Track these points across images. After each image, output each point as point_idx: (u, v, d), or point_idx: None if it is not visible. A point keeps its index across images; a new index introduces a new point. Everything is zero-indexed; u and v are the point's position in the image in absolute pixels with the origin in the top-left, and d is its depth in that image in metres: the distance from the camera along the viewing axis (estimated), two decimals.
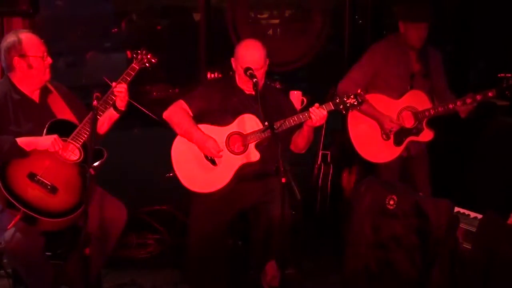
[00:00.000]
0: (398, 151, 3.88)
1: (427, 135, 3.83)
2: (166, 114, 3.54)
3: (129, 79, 3.25)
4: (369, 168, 4.22)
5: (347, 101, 3.28)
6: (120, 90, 3.16)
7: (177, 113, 3.50)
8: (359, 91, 3.31)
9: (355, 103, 3.28)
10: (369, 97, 3.81)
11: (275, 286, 3.60)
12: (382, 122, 3.85)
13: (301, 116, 3.32)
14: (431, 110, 3.76)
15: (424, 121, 3.82)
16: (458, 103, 3.68)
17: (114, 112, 3.23)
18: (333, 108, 3.30)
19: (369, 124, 3.92)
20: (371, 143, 3.94)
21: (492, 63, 5.29)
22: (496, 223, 2.81)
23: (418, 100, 3.82)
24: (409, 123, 3.85)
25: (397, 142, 3.87)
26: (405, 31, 3.83)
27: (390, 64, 3.88)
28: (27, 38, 3.15)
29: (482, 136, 4.04)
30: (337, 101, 3.30)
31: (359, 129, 3.97)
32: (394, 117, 3.85)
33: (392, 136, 3.87)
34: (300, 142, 3.51)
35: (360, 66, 3.96)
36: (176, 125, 3.49)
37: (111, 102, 3.17)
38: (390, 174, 3.93)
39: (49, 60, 3.19)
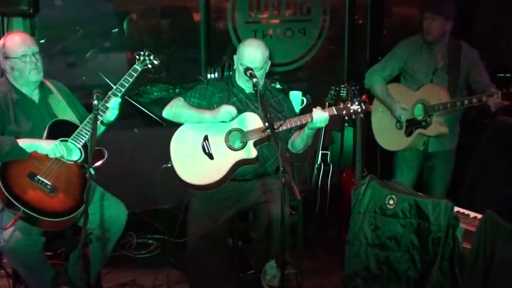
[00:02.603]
0: (407, 141, 3.96)
1: (433, 130, 3.87)
2: (166, 111, 3.50)
3: (131, 79, 3.25)
4: (369, 168, 4.23)
5: (351, 107, 3.27)
6: (112, 105, 3.16)
7: (179, 106, 3.49)
8: (364, 97, 3.31)
9: (359, 110, 3.27)
10: (390, 86, 4.06)
11: (275, 286, 3.60)
12: (393, 109, 3.99)
13: (302, 118, 3.32)
14: (440, 105, 3.79)
15: (434, 116, 3.85)
16: (466, 101, 3.69)
17: (101, 125, 3.22)
18: (335, 113, 3.28)
19: (387, 112, 4.06)
20: (386, 130, 4.09)
21: (492, 63, 5.28)
22: (495, 223, 2.81)
23: (433, 94, 3.87)
24: (420, 115, 3.91)
25: (408, 132, 3.96)
26: (423, 23, 3.91)
27: (415, 58, 3.98)
28: (10, 40, 3.18)
29: (482, 136, 4.04)
30: (340, 106, 3.29)
31: (379, 116, 4.14)
32: (408, 106, 3.94)
33: (404, 126, 3.97)
34: (298, 144, 3.51)
35: (385, 59, 4.11)
36: (180, 115, 3.46)
37: (109, 107, 3.17)
38: (408, 166, 4.07)
39: (32, 60, 3.16)
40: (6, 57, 3.16)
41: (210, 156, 3.42)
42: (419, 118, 3.92)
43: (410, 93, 3.98)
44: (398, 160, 4.13)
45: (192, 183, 3.41)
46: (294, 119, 3.34)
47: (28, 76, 3.17)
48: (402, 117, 3.96)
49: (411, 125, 3.96)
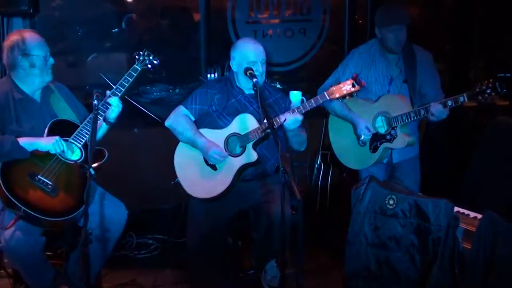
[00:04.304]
0: (373, 158, 3.81)
1: (400, 142, 3.71)
2: (168, 123, 3.57)
3: (130, 79, 3.25)
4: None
5: (343, 88, 3.19)
6: (112, 103, 3.16)
7: (179, 122, 3.53)
8: (355, 75, 3.24)
9: (353, 89, 3.18)
10: (346, 100, 3.73)
11: (275, 286, 3.60)
12: (356, 125, 3.79)
13: (281, 117, 3.29)
14: (403, 116, 3.64)
15: (399, 128, 3.71)
16: (431, 108, 3.51)
17: (104, 124, 3.23)
18: (328, 98, 3.23)
19: (346, 129, 3.89)
20: (348, 149, 3.92)
21: (492, 63, 5.28)
22: (495, 223, 2.81)
23: (393, 104, 3.72)
24: (382, 128, 3.78)
25: (372, 149, 3.80)
26: (382, 36, 3.78)
27: (368, 68, 3.85)
28: (31, 38, 3.17)
29: (482, 136, 4.03)
30: (333, 89, 3.21)
31: (338, 134, 3.97)
32: (370, 121, 3.78)
33: (367, 142, 3.81)
34: (290, 144, 3.53)
35: (337, 71, 3.95)
36: (179, 134, 3.53)
37: (109, 106, 3.17)
38: None
39: (51, 60, 3.21)
40: (26, 54, 3.14)
41: (213, 167, 3.43)
42: (382, 131, 3.76)
43: (369, 105, 3.79)
44: (362, 174, 3.94)
45: (202, 197, 3.44)
46: (276, 118, 3.30)
47: (45, 75, 3.20)
48: (363, 137, 3.76)
49: (375, 140, 3.78)
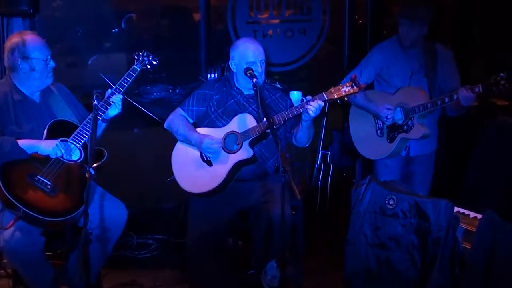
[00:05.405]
0: (390, 148, 3.86)
1: (416, 132, 3.77)
2: (166, 124, 3.61)
3: (130, 80, 3.25)
4: (368, 168, 4.22)
5: (342, 89, 3.22)
6: (115, 100, 3.16)
7: (175, 122, 3.56)
8: (353, 76, 3.27)
9: (352, 91, 3.21)
10: (367, 92, 3.92)
11: (275, 286, 3.60)
12: (379, 112, 3.86)
13: (294, 110, 3.30)
14: (421, 107, 3.70)
15: (415, 118, 3.76)
16: (447, 99, 3.60)
17: (100, 121, 3.21)
18: (326, 98, 3.25)
19: (366, 120, 3.95)
20: (367, 139, 3.97)
21: (492, 63, 5.27)
22: (496, 223, 2.81)
23: (411, 96, 3.78)
24: (400, 119, 3.83)
25: (390, 139, 3.87)
26: (399, 28, 3.87)
27: (390, 63, 3.92)
28: (32, 41, 3.14)
29: (482, 136, 4.03)
30: (332, 90, 3.25)
31: (358, 125, 4.02)
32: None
33: (385, 133, 3.87)
34: (301, 137, 3.51)
35: (360, 65, 4.02)
36: (175, 133, 3.56)
37: (111, 103, 3.17)
38: (389, 172, 3.93)
39: (52, 64, 3.19)
40: (26, 57, 3.12)
41: (209, 163, 3.43)
42: (400, 122, 3.82)
43: (388, 97, 3.87)
44: (379, 167, 4.00)
45: (195, 192, 3.44)
46: (286, 112, 3.31)
47: (46, 78, 3.19)
48: (389, 117, 3.82)
49: (393, 131, 3.85)
